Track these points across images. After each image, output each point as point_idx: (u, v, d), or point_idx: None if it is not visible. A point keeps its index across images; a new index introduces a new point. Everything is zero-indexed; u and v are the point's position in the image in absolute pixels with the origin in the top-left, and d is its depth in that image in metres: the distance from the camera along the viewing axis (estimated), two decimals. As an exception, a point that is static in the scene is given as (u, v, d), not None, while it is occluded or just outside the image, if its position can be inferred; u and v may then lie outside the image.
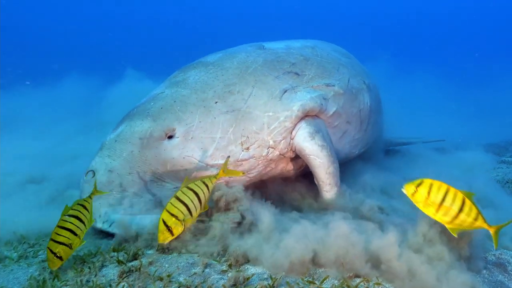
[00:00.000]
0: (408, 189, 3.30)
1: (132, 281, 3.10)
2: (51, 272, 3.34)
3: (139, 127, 4.33)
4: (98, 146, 4.45)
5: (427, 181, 3.26)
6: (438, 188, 3.21)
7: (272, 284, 3.00)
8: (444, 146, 9.00)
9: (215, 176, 3.84)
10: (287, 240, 3.39)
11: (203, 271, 3.30)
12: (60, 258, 3.17)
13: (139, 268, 3.27)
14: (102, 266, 3.43)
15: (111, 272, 3.31)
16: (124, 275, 3.20)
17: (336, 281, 3.12)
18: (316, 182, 4.78)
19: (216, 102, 4.54)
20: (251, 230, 3.77)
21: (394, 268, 3.11)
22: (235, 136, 4.51)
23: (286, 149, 4.77)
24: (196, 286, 3.02)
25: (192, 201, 3.45)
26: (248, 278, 3.11)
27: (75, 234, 3.25)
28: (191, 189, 3.51)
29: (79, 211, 3.37)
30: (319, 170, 4.66)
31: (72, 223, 3.27)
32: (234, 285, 3.03)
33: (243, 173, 4.49)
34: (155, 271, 3.26)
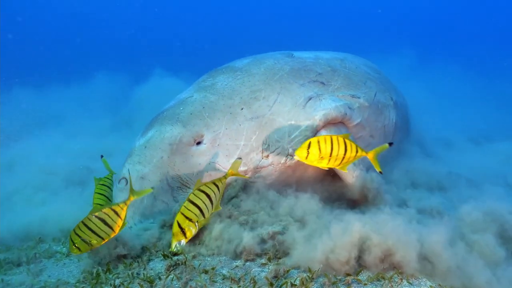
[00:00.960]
0: (300, 154, 3.69)
1: (179, 273, 3.31)
2: (102, 265, 3.57)
3: (169, 132, 4.37)
4: (129, 145, 4.58)
5: (314, 140, 3.69)
6: (325, 142, 3.69)
7: (311, 276, 3.16)
8: (475, 137, 8.93)
9: (224, 177, 3.92)
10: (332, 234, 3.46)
11: (244, 264, 3.49)
12: (79, 248, 3.35)
13: (185, 262, 3.47)
14: (149, 260, 3.64)
15: (158, 265, 3.53)
16: (171, 268, 3.41)
17: (370, 273, 3.26)
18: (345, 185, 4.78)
19: (242, 109, 4.60)
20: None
21: (442, 263, 3.20)
22: (257, 143, 4.57)
23: None
24: (239, 278, 3.21)
25: (204, 203, 3.56)
26: (288, 271, 3.28)
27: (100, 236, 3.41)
28: (203, 191, 3.61)
29: (108, 215, 3.45)
30: (347, 176, 4.67)
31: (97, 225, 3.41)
32: (275, 276, 3.20)
33: (249, 176, 4.49)
34: (199, 264, 3.47)
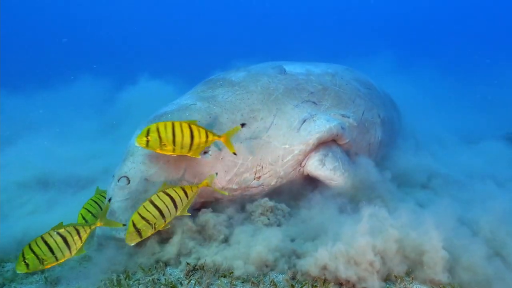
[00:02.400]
0: (140, 141, 3.71)
1: (199, 278, 3.42)
2: (122, 272, 3.65)
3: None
4: (121, 148, 4.47)
5: (153, 126, 3.71)
6: (165, 127, 3.72)
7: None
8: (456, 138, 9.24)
9: (197, 185, 4.01)
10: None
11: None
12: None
13: (203, 267, 3.58)
14: (166, 265, 3.74)
15: (176, 271, 3.65)
16: (190, 273, 3.53)
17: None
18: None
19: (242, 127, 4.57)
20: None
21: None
22: (252, 164, 4.58)
23: (297, 176, 4.92)
24: (258, 281, 3.35)
25: (167, 206, 3.65)
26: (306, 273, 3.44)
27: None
28: (168, 194, 3.71)
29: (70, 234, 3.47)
30: (339, 190, 4.78)
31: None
32: (293, 278, 3.36)
33: (227, 193, 4.47)
34: (216, 268, 3.59)
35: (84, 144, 9.11)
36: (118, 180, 4.05)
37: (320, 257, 3.37)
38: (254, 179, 4.62)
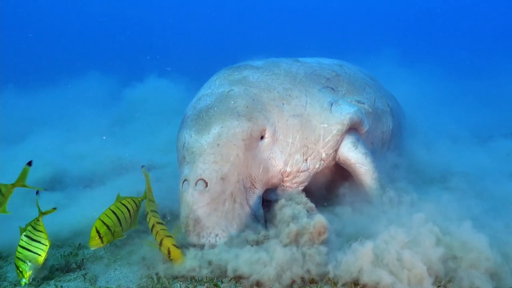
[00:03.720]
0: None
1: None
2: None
3: (238, 127, 4.08)
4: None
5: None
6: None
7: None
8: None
9: (142, 197, 4.14)
10: None
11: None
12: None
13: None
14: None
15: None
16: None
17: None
18: (362, 188, 4.87)
19: (283, 103, 4.46)
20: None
21: None
22: (300, 144, 4.48)
23: (332, 160, 4.85)
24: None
25: (124, 215, 3.82)
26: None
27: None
28: (124, 205, 3.88)
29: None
30: (366, 177, 4.80)
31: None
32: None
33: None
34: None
35: (92, 140, 9.18)
36: (196, 184, 3.85)
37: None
38: (303, 161, 4.52)
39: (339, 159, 4.86)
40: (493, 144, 8.75)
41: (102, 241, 3.61)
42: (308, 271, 3.35)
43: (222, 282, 3.43)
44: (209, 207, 3.82)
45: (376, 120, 5.50)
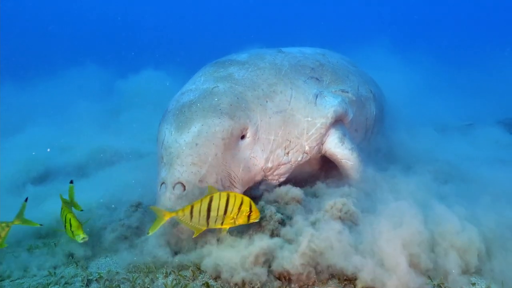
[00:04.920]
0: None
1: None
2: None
3: (219, 126, 4.01)
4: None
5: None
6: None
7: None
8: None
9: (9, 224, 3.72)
10: None
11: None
12: None
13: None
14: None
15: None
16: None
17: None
18: (347, 180, 4.96)
19: (266, 101, 4.47)
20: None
21: None
22: (282, 139, 4.51)
23: (317, 153, 4.91)
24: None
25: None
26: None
27: None
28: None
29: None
30: (351, 172, 4.91)
31: None
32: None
33: (39, 224, 3.86)
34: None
35: (86, 132, 9.32)
36: (174, 188, 3.79)
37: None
38: (285, 154, 4.55)
39: (325, 152, 4.93)
40: (479, 131, 8.94)
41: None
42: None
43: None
44: None
45: (360, 107, 5.56)
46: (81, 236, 3.48)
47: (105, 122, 10.22)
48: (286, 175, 4.75)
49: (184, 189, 3.75)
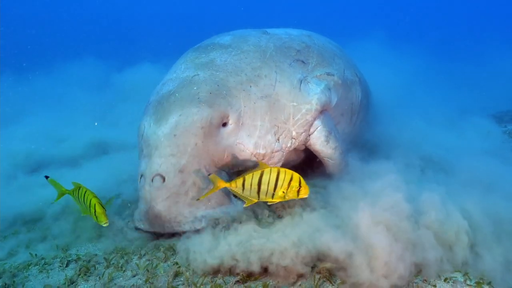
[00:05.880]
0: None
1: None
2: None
3: (197, 115, 3.98)
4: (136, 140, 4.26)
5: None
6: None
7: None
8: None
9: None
10: None
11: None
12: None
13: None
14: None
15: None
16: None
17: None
18: (328, 172, 5.01)
19: (250, 86, 4.38)
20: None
21: None
22: (270, 124, 4.42)
23: (303, 142, 4.80)
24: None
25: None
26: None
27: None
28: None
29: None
30: (333, 169, 4.94)
31: None
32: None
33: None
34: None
35: (82, 123, 9.50)
36: (152, 180, 3.80)
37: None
38: (276, 141, 4.45)
39: (310, 146, 4.88)
40: (471, 123, 8.96)
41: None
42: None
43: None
44: (168, 201, 3.77)
45: (346, 90, 5.47)
46: (103, 222, 3.55)
47: (101, 115, 10.38)
48: (279, 164, 4.66)
49: (164, 181, 3.77)
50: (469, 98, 11.26)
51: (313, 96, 4.71)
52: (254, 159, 4.29)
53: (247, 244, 3.31)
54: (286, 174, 3.45)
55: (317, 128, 4.77)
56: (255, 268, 3.17)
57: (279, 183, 3.43)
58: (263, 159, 4.37)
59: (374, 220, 3.26)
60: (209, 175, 3.74)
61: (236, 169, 4.33)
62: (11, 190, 5.70)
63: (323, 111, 4.90)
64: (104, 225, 3.56)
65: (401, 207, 3.44)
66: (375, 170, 4.49)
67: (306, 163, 5.44)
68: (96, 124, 9.89)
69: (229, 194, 4.10)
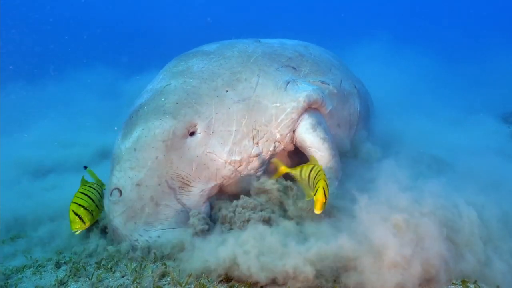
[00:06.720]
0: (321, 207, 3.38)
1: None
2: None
3: (159, 128, 3.90)
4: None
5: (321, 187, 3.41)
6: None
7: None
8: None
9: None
10: None
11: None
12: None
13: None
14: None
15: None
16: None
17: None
18: None
19: (227, 91, 4.28)
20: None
21: None
22: (248, 128, 4.29)
23: (290, 142, 4.62)
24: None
25: (95, 195, 3.91)
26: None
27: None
28: (91, 187, 3.98)
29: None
30: (321, 163, 4.32)
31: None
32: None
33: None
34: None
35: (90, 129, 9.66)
36: (111, 194, 3.81)
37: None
38: (253, 145, 4.31)
39: (296, 140, 4.62)
40: (477, 123, 8.85)
41: (84, 222, 3.64)
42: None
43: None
44: (124, 216, 3.77)
45: (342, 101, 5.34)
46: (73, 229, 3.64)
47: (109, 121, 10.51)
48: (262, 169, 4.49)
49: (121, 194, 3.76)
50: (477, 98, 11.09)
51: (301, 93, 4.55)
52: (230, 167, 4.18)
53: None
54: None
55: (303, 118, 4.58)
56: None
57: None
58: (240, 166, 4.26)
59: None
60: (270, 159, 4.28)
61: (213, 182, 4.16)
62: (15, 194, 5.81)
63: (314, 109, 4.75)
64: (76, 233, 3.66)
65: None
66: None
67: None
68: (116, 128, 10.04)
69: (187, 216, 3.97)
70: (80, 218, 3.64)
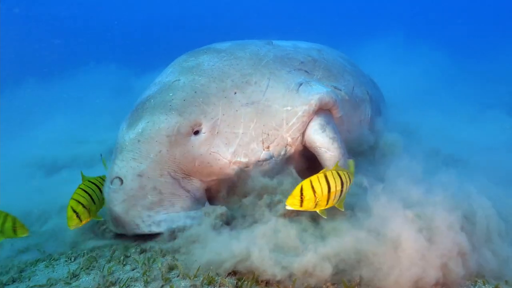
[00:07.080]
0: (292, 203, 3.19)
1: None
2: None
3: (164, 123, 3.94)
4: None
5: (306, 183, 3.22)
6: (318, 181, 3.26)
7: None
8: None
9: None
10: None
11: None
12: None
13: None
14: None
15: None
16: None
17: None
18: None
19: (235, 93, 4.27)
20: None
21: None
22: (256, 132, 4.27)
23: (300, 144, 4.58)
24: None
25: (95, 192, 3.88)
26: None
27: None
28: (93, 183, 3.96)
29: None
30: (329, 164, 4.38)
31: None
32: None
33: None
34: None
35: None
36: (111, 183, 3.86)
37: None
38: (263, 149, 4.32)
39: (305, 141, 4.59)
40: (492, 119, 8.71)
41: (80, 220, 3.68)
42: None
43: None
44: (126, 204, 3.80)
45: (353, 108, 5.31)
46: (69, 226, 3.69)
47: (122, 118, 10.55)
48: (274, 172, 4.45)
49: (122, 183, 3.81)
50: (492, 94, 10.95)
51: (315, 95, 4.50)
52: (234, 167, 4.19)
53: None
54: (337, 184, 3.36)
55: (312, 119, 4.55)
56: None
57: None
58: (246, 167, 4.26)
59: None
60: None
61: (215, 177, 4.21)
62: (28, 190, 5.84)
63: (324, 110, 4.70)
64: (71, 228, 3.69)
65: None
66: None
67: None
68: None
69: (201, 200, 4.09)
70: (78, 215, 3.68)
